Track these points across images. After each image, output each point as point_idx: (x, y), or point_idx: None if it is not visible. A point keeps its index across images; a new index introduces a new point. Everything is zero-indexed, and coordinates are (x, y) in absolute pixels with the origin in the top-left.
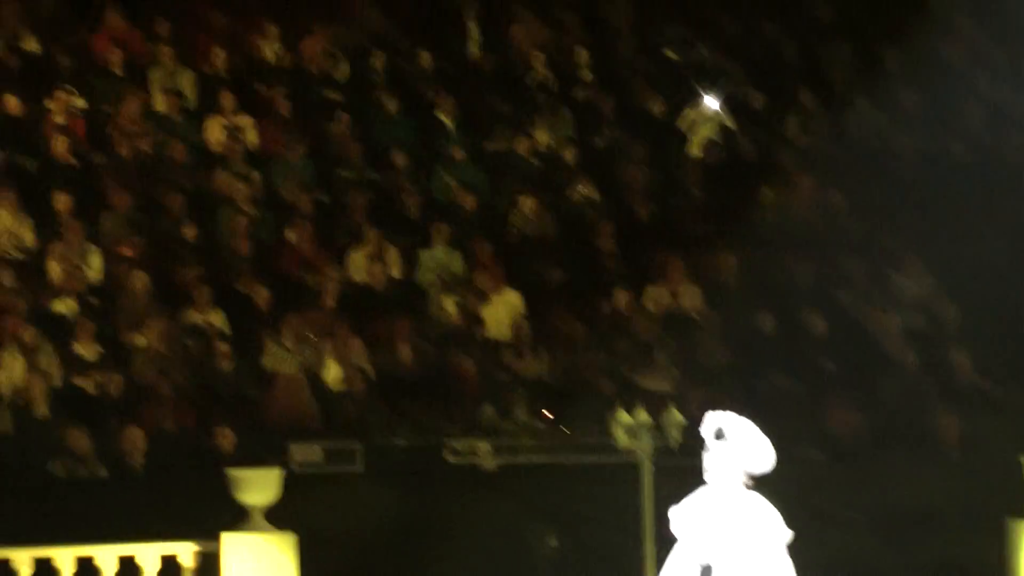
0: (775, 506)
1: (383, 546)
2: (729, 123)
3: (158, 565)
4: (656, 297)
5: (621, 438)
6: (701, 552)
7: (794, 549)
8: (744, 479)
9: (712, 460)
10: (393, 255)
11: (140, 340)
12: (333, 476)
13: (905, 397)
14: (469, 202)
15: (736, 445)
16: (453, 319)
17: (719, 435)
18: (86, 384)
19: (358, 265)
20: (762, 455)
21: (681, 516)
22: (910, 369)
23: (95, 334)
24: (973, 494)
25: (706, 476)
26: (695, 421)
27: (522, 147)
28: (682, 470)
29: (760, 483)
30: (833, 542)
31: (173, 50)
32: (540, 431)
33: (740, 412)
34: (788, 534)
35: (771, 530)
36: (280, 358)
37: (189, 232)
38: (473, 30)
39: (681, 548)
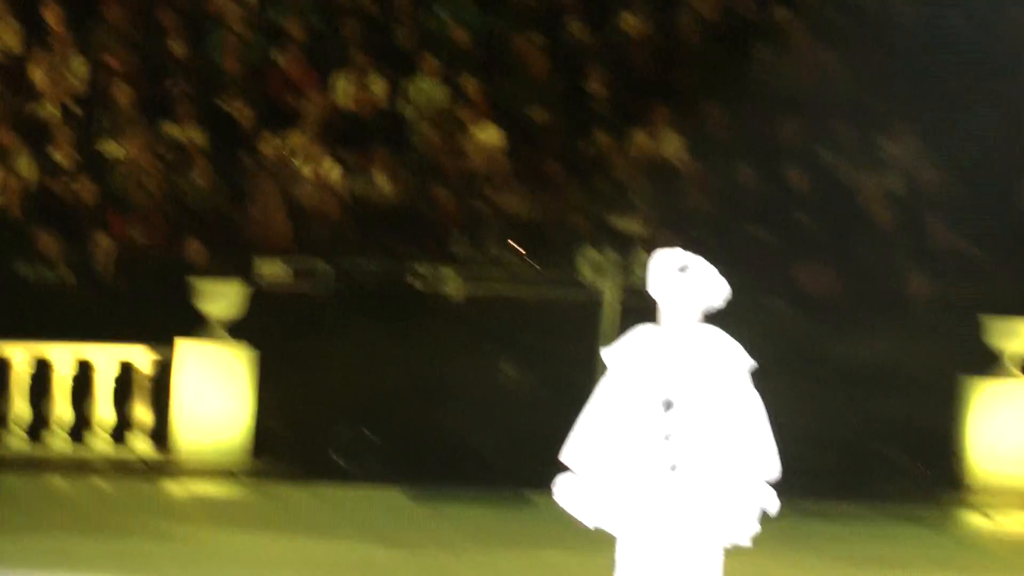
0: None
1: (344, 366)
2: None
3: (115, 368)
4: (639, 142)
5: (587, 273)
6: (660, 387)
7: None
8: (699, 314)
9: (673, 293)
10: (379, 83)
11: (118, 151)
12: (299, 295)
13: (878, 257)
14: (461, 37)
15: (698, 278)
16: (433, 150)
17: (683, 268)
18: (61, 190)
19: (343, 90)
20: (720, 288)
21: (626, 352)
22: (885, 230)
23: (73, 141)
24: (930, 350)
25: (666, 311)
26: None
27: None
28: (647, 310)
29: (725, 330)
30: (787, 389)
31: None
32: (508, 263)
33: (712, 260)
34: (751, 363)
35: (734, 360)
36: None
37: (179, 49)
38: None
39: (625, 384)
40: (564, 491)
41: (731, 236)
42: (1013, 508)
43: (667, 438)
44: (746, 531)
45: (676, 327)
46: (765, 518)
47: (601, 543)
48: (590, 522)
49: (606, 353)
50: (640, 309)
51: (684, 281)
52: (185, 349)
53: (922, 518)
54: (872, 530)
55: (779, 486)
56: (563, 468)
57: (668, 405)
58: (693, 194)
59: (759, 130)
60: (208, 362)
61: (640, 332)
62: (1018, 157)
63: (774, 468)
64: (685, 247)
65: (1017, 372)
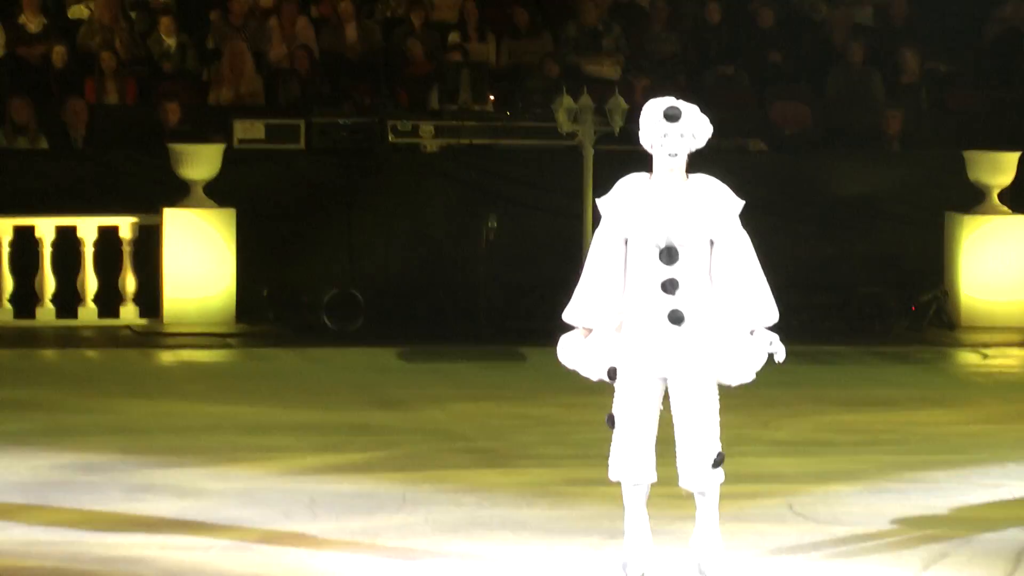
0: None
1: (320, 223)
2: None
3: (96, 237)
4: None
5: (563, 122)
6: (657, 236)
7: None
8: (685, 161)
9: (665, 140)
10: None
11: (84, 12)
12: (274, 153)
13: (851, 92)
14: None
15: (688, 124)
16: (400, 0)
17: (674, 115)
18: (30, 55)
19: None
20: (707, 129)
21: (620, 202)
22: (857, 64)
23: (40, 6)
24: (915, 188)
25: (658, 159)
26: (638, 107)
27: None
28: (623, 155)
29: (703, 171)
30: (774, 232)
31: None
32: (483, 114)
33: (685, 101)
34: (740, 203)
35: (726, 206)
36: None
37: None
38: None
39: (621, 235)
40: (567, 349)
41: (704, 76)
42: (1005, 344)
43: (667, 287)
44: (750, 372)
45: (668, 175)
46: (768, 362)
47: (593, 396)
48: (594, 376)
49: (601, 203)
50: (619, 154)
51: (674, 128)
52: (172, 217)
53: (914, 358)
54: (864, 372)
55: (785, 334)
56: (555, 321)
57: (666, 254)
58: (664, 36)
59: None
60: (194, 228)
61: (632, 181)
62: None
63: (773, 312)
64: (655, 90)
65: (1004, 207)
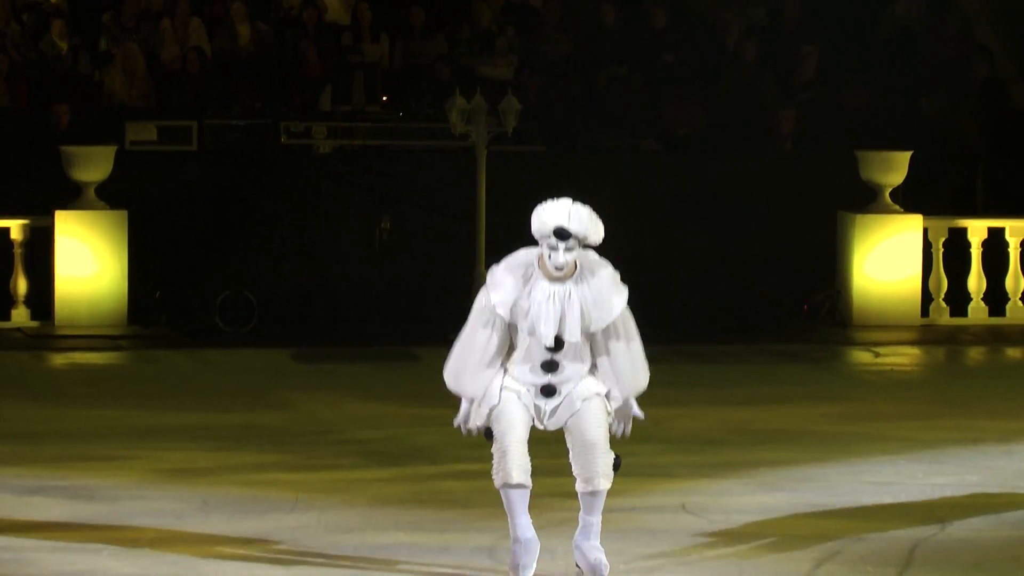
0: (613, 196)
1: (213, 224)
2: None
3: None
4: None
5: (457, 123)
6: (546, 331)
7: (629, 239)
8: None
9: (554, 254)
10: None
11: None
12: (167, 154)
13: (744, 91)
14: None
15: (578, 238)
16: (293, 2)
17: (563, 235)
18: None
19: None
20: (599, 234)
21: (508, 285)
22: (750, 64)
23: None
24: (807, 187)
25: (549, 263)
26: (531, 108)
27: None
28: (516, 156)
29: (596, 174)
30: (668, 232)
31: None
32: (376, 115)
33: (578, 103)
34: (625, 296)
35: (612, 303)
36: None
37: None
38: None
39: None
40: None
41: (597, 77)
42: (896, 343)
43: (547, 367)
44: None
45: (557, 269)
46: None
47: None
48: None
49: (492, 280)
50: (512, 155)
51: (563, 244)
52: (64, 219)
53: (807, 357)
54: (757, 371)
55: (663, 330)
56: (448, 322)
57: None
58: (557, 36)
59: None
60: (87, 230)
61: (524, 265)
62: None
63: (644, 384)
64: (549, 90)
65: (896, 206)
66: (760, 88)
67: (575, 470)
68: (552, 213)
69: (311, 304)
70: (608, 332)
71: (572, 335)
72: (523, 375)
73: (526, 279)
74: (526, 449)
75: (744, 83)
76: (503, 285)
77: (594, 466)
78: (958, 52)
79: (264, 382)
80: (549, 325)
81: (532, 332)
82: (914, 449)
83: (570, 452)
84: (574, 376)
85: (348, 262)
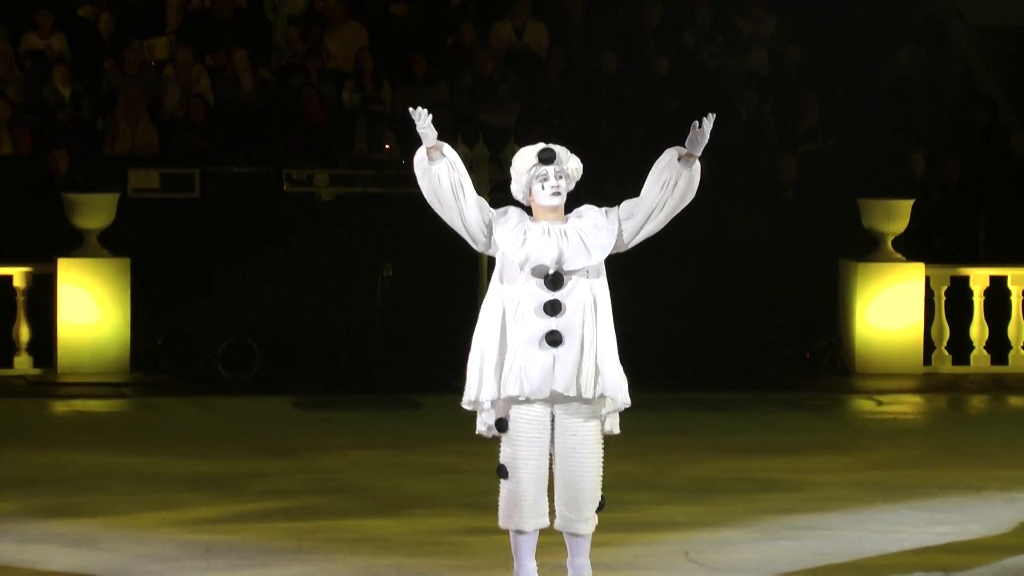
0: None
1: (215, 271)
2: None
3: None
4: (501, 33)
5: None
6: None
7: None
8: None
9: (547, 183)
10: None
11: None
12: (169, 202)
13: (746, 139)
14: None
15: (563, 163)
16: (295, 50)
17: (548, 157)
18: None
19: None
20: (579, 166)
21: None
22: (752, 112)
23: None
24: (810, 235)
25: (544, 198)
26: None
27: None
28: (518, 202)
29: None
30: (670, 279)
31: None
32: (378, 163)
33: (579, 150)
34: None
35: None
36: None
37: None
38: None
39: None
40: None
41: (599, 125)
42: (899, 391)
43: (548, 310)
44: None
45: (555, 194)
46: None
47: (489, 444)
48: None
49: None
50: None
51: (552, 169)
52: (67, 267)
53: (809, 405)
54: (759, 419)
55: (665, 377)
56: (449, 370)
57: (551, 280)
58: (558, 84)
59: (619, 15)
60: (89, 278)
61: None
62: (885, 31)
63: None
64: (551, 138)
65: (897, 254)
66: (762, 135)
67: (558, 505)
68: (527, 148)
69: (313, 351)
70: (620, 222)
71: (574, 262)
72: (526, 330)
73: (521, 217)
74: (543, 489)
75: (746, 130)
76: (507, 236)
77: (580, 511)
78: (960, 101)
79: (266, 429)
80: (549, 252)
81: (525, 262)
82: (916, 497)
83: (556, 482)
84: (576, 325)
85: (350, 309)
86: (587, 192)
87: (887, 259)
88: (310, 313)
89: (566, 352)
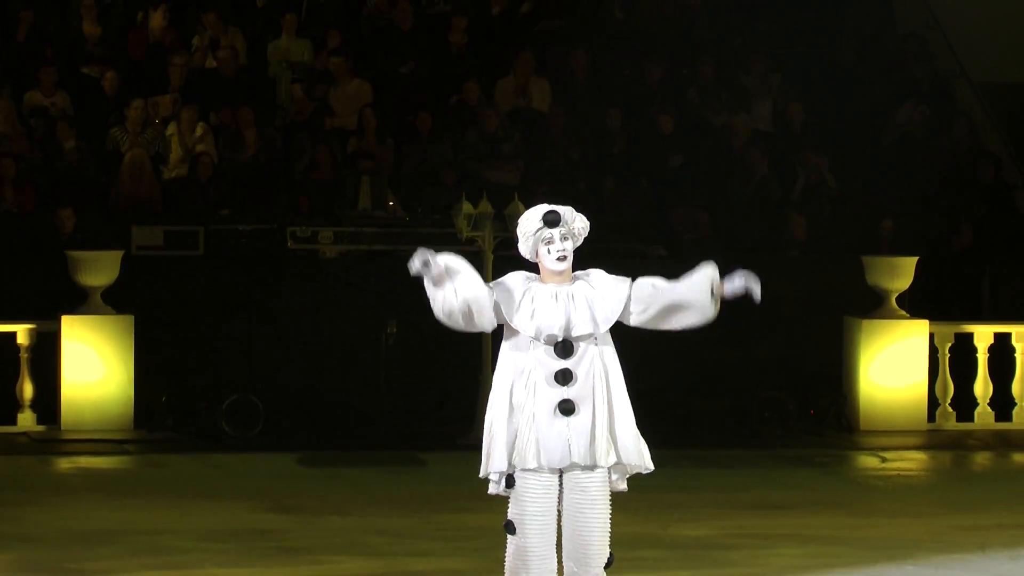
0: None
1: (219, 328)
2: None
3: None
4: (505, 91)
5: (463, 228)
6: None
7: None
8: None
9: (551, 246)
10: (240, 41)
11: None
12: (173, 259)
13: (752, 197)
14: None
15: (568, 224)
16: (300, 107)
17: (554, 220)
18: None
19: (201, 51)
20: (586, 224)
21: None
22: (758, 169)
23: None
24: (814, 292)
25: (550, 261)
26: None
27: None
28: (523, 261)
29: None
30: (674, 335)
31: None
32: (382, 220)
33: (585, 208)
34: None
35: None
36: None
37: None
38: None
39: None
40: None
41: (603, 182)
42: (903, 448)
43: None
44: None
45: (560, 259)
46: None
47: (495, 502)
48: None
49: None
50: (519, 260)
51: (557, 232)
52: (70, 324)
53: (814, 462)
54: (764, 475)
55: (669, 433)
56: (453, 426)
57: (561, 348)
58: (564, 141)
59: (623, 73)
60: (93, 335)
61: (521, 274)
62: (888, 88)
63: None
64: (555, 196)
65: (902, 311)
66: (766, 193)
67: (566, 562)
68: (533, 210)
69: (317, 408)
70: (629, 301)
71: (581, 329)
72: (539, 400)
73: (527, 284)
74: (551, 545)
75: (750, 189)
76: (505, 281)
77: (588, 568)
78: (965, 158)
79: (270, 487)
80: (557, 319)
81: (538, 334)
82: (921, 554)
83: (564, 538)
84: (587, 393)
85: (354, 366)
86: (591, 252)
87: (891, 316)
88: (314, 370)
89: (579, 421)
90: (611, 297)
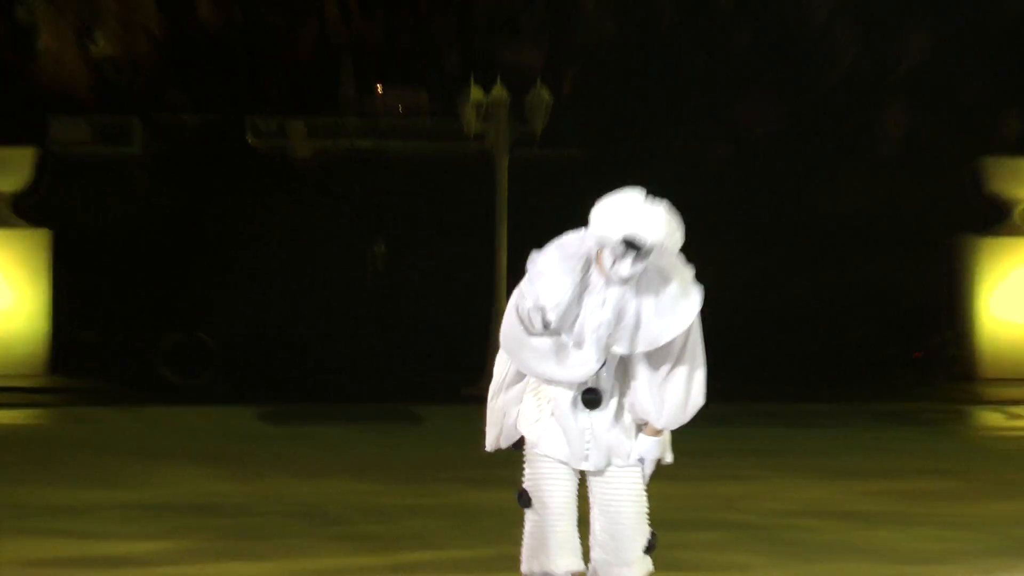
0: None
1: (160, 250)
2: None
3: None
4: None
5: (472, 121)
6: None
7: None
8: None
9: (618, 265)
10: None
11: None
12: (102, 159)
13: (835, 82)
14: None
15: (650, 252)
16: None
17: (637, 246)
18: None
19: None
20: (677, 242)
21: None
22: (844, 52)
23: None
24: (916, 204)
25: (611, 274)
26: (565, 103)
27: None
28: (546, 162)
29: (648, 187)
30: (741, 262)
31: None
32: (368, 110)
33: (626, 98)
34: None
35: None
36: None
37: None
38: None
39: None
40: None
41: (649, 62)
42: None
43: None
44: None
45: (622, 281)
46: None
47: (504, 468)
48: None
49: (535, 265)
50: (541, 162)
51: (634, 256)
52: None
53: (919, 419)
54: (855, 436)
55: (735, 384)
56: (458, 373)
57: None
58: (598, 14)
59: None
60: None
61: (576, 251)
62: None
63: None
64: (587, 82)
65: None
66: (856, 77)
67: (593, 548)
68: (621, 216)
69: (283, 350)
70: (666, 349)
71: (618, 349)
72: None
73: (582, 276)
74: (573, 520)
75: (835, 71)
76: (554, 282)
77: (620, 554)
78: None
79: (223, 449)
80: (598, 344)
81: (578, 345)
82: None
83: (592, 524)
84: (612, 387)
85: (332, 297)
86: (632, 152)
87: (1018, 233)
88: (280, 302)
89: (603, 417)
90: (667, 323)
